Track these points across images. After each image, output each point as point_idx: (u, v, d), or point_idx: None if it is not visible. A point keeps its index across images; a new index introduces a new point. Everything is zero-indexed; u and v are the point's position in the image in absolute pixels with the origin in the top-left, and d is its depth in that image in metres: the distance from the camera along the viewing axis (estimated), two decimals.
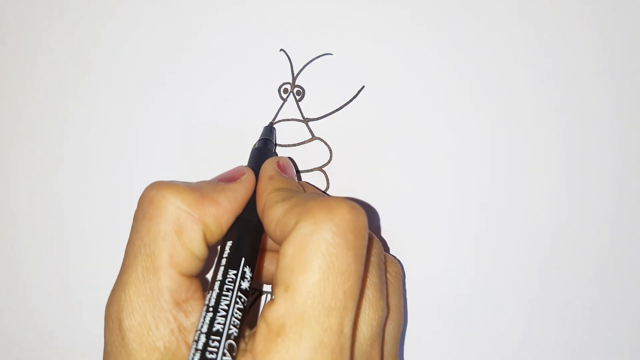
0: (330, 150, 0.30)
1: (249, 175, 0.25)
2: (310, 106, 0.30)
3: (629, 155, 0.30)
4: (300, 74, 0.30)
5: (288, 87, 0.30)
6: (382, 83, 0.30)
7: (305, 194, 0.22)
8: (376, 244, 0.24)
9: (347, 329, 0.20)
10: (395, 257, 0.28)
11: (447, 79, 0.30)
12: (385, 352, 0.24)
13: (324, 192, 0.30)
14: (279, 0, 0.30)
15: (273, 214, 0.22)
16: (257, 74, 0.30)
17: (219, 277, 0.21)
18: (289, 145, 0.30)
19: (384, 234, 0.29)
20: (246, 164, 0.27)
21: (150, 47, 0.30)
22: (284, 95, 0.30)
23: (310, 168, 0.30)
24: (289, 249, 0.20)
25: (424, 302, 0.29)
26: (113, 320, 0.21)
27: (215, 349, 0.19)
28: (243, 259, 0.22)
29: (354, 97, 0.30)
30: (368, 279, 0.22)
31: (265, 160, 0.26)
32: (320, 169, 0.30)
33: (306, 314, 0.19)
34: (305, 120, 0.30)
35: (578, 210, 0.30)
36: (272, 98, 0.30)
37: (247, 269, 0.21)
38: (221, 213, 0.22)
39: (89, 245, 0.30)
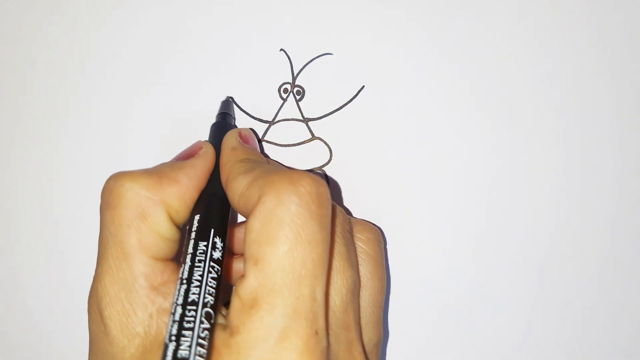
0: (330, 150, 0.30)
1: (207, 149, 0.25)
2: (310, 106, 0.30)
3: (629, 155, 0.30)
4: (300, 74, 0.30)
5: (288, 87, 0.30)
6: (382, 83, 0.30)
7: (268, 166, 0.23)
8: (340, 214, 0.24)
9: (320, 297, 0.20)
10: (374, 224, 0.28)
11: (447, 79, 0.30)
12: (364, 319, 0.24)
13: None
14: (279, 0, 0.30)
15: (236, 187, 0.22)
16: (257, 73, 0.30)
17: (190, 250, 0.21)
18: (289, 145, 0.30)
19: (384, 233, 0.29)
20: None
21: (149, 47, 0.30)
22: (284, 95, 0.30)
23: (310, 168, 0.30)
24: (255, 223, 0.20)
25: (424, 301, 0.29)
26: (94, 310, 0.21)
27: (192, 318, 0.19)
28: (212, 230, 0.22)
29: (354, 97, 0.30)
30: (335, 248, 0.23)
31: (226, 134, 0.26)
32: (320, 169, 0.30)
33: (277, 285, 0.19)
34: (305, 120, 0.30)
35: (578, 210, 0.30)
36: (272, 98, 0.30)
37: (217, 239, 0.21)
38: (183, 191, 0.22)
39: (89, 245, 0.30)
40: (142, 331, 0.21)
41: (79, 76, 0.30)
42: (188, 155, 0.24)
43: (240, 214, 0.22)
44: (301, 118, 0.30)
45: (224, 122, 0.28)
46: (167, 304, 0.21)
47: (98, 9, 0.30)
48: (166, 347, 0.18)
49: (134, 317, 0.21)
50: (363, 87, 0.30)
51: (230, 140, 0.25)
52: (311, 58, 0.30)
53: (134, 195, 0.22)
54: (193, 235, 0.22)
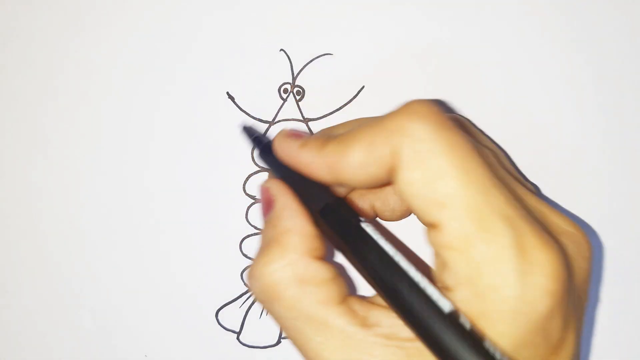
0: None
1: (273, 185, 0.23)
2: (310, 106, 0.30)
3: (630, 154, 0.30)
4: (300, 74, 0.30)
5: (288, 87, 0.30)
6: (382, 83, 0.30)
7: (352, 125, 0.21)
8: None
9: (519, 193, 0.19)
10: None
11: (447, 79, 0.30)
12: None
13: None
14: (279, 0, 0.30)
15: (351, 162, 0.20)
16: (257, 74, 0.30)
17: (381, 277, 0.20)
18: None
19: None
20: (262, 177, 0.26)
21: (149, 48, 0.30)
22: (284, 95, 0.30)
23: None
24: (411, 174, 0.19)
25: None
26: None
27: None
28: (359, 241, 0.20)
29: (354, 97, 0.30)
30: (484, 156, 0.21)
31: (273, 144, 0.23)
32: None
33: (475, 210, 0.18)
34: (305, 120, 0.30)
35: (578, 210, 0.30)
36: (272, 98, 0.30)
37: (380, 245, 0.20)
38: (298, 239, 0.21)
39: (89, 245, 0.30)
40: None
41: (79, 76, 0.30)
42: (268, 205, 0.23)
43: (370, 187, 0.21)
44: (301, 118, 0.30)
45: (260, 140, 0.25)
46: (385, 330, 0.20)
47: (98, 8, 0.30)
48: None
49: (377, 358, 0.20)
50: (363, 87, 0.30)
51: (289, 145, 0.22)
52: (311, 58, 0.30)
53: (281, 272, 0.21)
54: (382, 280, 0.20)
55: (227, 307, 0.30)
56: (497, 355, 0.17)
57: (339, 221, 0.21)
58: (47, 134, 0.30)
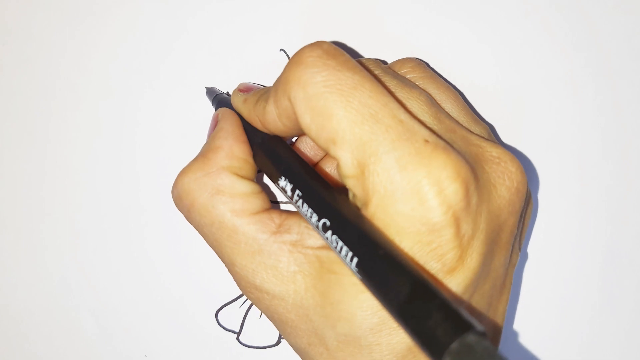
0: None
1: (223, 111, 0.25)
2: None
3: (630, 154, 0.30)
4: None
5: None
6: None
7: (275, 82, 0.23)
8: (368, 62, 0.24)
9: (404, 117, 0.20)
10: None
11: (447, 79, 0.30)
12: (463, 122, 0.24)
13: None
14: (279, 0, 0.30)
15: (269, 115, 0.22)
16: (257, 73, 0.30)
17: (295, 201, 0.21)
18: None
19: None
20: None
21: (148, 47, 0.30)
22: None
23: None
24: (305, 118, 0.20)
25: None
26: (254, 292, 0.23)
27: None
28: (284, 169, 0.22)
29: None
30: (386, 85, 0.22)
31: (228, 101, 0.26)
32: None
33: (363, 138, 0.19)
34: None
35: (578, 210, 0.30)
36: None
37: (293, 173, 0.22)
38: (228, 149, 0.23)
39: (89, 245, 0.30)
40: (297, 268, 0.22)
41: (78, 76, 0.30)
42: (213, 127, 0.25)
43: (296, 135, 0.23)
44: None
45: (222, 97, 0.28)
46: (293, 236, 0.22)
47: (96, 7, 0.30)
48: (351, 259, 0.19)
49: (282, 264, 0.22)
50: None
51: (236, 99, 0.25)
52: None
53: (195, 182, 0.23)
54: (286, 184, 0.22)
55: (226, 307, 0.30)
56: (381, 252, 0.18)
57: (272, 152, 0.23)
58: (45, 134, 0.30)
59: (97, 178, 0.30)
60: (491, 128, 0.29)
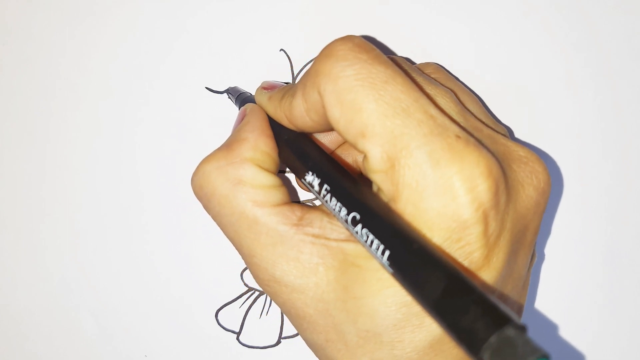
0: None
1: (251, 106, 0.25)
2: None
3: (630, 154, 0.30)
4: (300, 74, 0.30)
5: None
6: None
7: (302, 78, 0.23)
8: (397, 59, 0.24)
9: (434, 112, 0.19)
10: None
11: None
12: (485, 121, 0.24)
13: None
14: (279, 0, 0.30)
15: (296, 110, 0.22)
16: (256, 74, 0.30)
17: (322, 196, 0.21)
18: None
19: None
20: None
21: (148, 47, 0.30)
22: None
23: None
24: (334, 112, 0.20)
25: None
26: (273, 285, 0.22)
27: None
28: (312, 164, 0.22)
29: None
30: (416, 80, 0.22)
31: (252, 100, 0.26)
32: None
33: (395, 132, 0.19)
34: None
35: (578, 211, 0.30)
36: None
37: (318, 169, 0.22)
38: (253, 142, 0.23)
39: (89, 245, 0.30)
40: (320, 260, 0.21)
41: (78, 76, 0.30)
42: (239, 122, 0.25)
43: (322, 131, 0.22)
44: None
45: (246, 96, 0.28)
46: (315, 230, 0.22)
47: (96, 7, 0.30)
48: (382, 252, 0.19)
49: (304, 255, 0.21)
50: None
51: (261, 96, 0.25)
52: (311, 58, 0.29)
53: (218, 171, 0.22)
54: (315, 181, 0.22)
55: (226, 307, 0.30)
56: (415, 245, 0.18)
57: (299, 148, 0.23)
58: (45, 134, 0.30)
59: (97, 178, 0.30)
60: None
